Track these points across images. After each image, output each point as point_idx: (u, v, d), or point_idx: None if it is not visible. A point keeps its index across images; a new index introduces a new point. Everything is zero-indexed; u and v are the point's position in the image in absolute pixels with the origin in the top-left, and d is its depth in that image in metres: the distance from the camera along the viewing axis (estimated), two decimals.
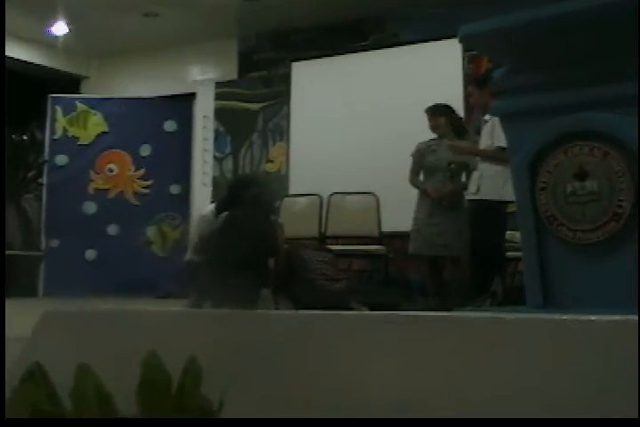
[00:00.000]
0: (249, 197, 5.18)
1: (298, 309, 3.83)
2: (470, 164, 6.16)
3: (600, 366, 1.53)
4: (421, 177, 6.42)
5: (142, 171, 10.25)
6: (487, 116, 5.92)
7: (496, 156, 5.64)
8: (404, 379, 1.69)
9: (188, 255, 6.03)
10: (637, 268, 2.51)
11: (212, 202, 6.74)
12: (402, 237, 6.68)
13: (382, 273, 7.33)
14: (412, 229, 6.26)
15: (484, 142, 5.91)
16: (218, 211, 5.60)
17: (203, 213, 6.50)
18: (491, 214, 5.78)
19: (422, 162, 6.34)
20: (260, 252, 4.83)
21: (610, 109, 2.63)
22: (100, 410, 1.39)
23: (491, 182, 5.77)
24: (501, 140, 5.21)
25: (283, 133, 9.30)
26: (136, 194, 10.23)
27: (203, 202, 8.78)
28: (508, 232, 5.78)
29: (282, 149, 9.20)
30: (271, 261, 5.13)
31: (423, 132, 6.37)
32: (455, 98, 7.36)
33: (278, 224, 5.40)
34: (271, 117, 9.49)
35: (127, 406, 1.48)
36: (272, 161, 9.30)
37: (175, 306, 4.54)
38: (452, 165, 6.20)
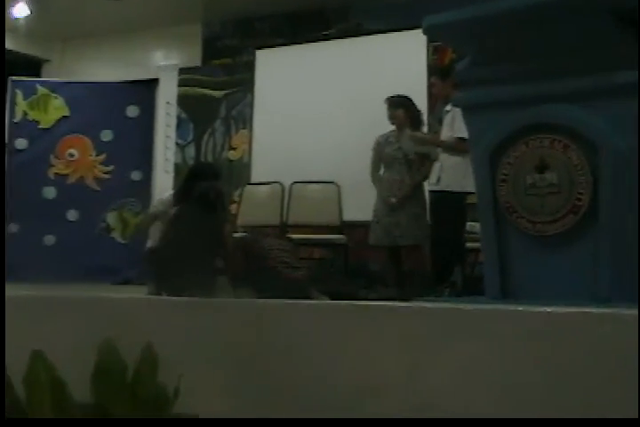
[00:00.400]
0: (198, 192, 5.22)
1: (258, 297, 3.75)
2: (431, 154, 6.12)
3: (556, 355, 1.54)
4: (382, 170, 6.38)
5: (103, 156, 10.14)
6: (448, 107, 5.87)
7: (456, 147, 5.62)
8: (360, 366, 1.69)
9: (149, 242, 6.09)
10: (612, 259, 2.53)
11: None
12: (363, 226, 6.64)
13: (343, 262, 7.25)
14: (372, 220, 6.28)
15: (445, 133, 5.88)
16: (175, 200, 5.64)
17: (163, 196, 6.55)
18: (451, 205, 5.75)
19: (381, 154, 6.32)
20: (205, 245, 4.91)
21: (571, 103, 2.64)
22: (52, 397, 1.38)
23: (451, 173, 5.73)
24: (461, 131, 5.17)
25: (246, 121, 9.21)
26: (97, 179, 10.12)
27: (164, 189, 8.62)
28: (469, 223, 5.79)
29: (244, 136, 9.11)
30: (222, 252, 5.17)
31: (386, 122, 6.35)
32: (418, 89, 7.33)
33: (225, 219, 5.42)
34: (234, 105, 9.40)
35: (83, 393, 1.46)
36: (234, 149, 9.18)
37: (134, 293, 4.50)
38: (411, 156, 6.16)
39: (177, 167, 9.48)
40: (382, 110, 6.36)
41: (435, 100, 7.17)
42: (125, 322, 1.89)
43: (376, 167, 6.39)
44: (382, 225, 6.16)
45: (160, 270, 4.72)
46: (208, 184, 4.97)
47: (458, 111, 5.21)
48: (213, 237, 4.69)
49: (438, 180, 5.91)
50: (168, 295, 4.14)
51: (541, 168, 2.71)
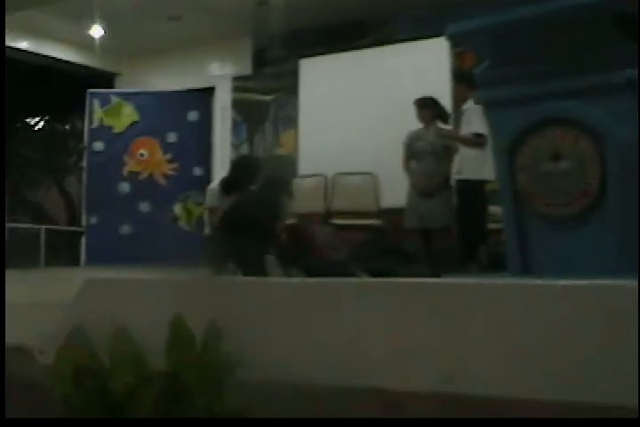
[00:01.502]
0: (263, 177, 5.28)
1: (306, 276, 3.75)
2: (453, 147, 6.16)
3: (570, 323, 1.53)
4: (412, 162, 6.40)
5: (169, 155, 10.24)
6: (465, 106, 5.92)
7: (472, 141, 5.66)
8: (401, 337, 1.69)
9: (207, 230, 6.12)
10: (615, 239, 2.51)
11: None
12: (398, 212, 6.65)
13: (380, 244, 7.25)
14: (405, 206, 6.32)
15: (464, 129, 5.91)
16: (222, 187, 5.72)
17: (210, 186, 6.53)
18: (473, 192, 5.78)
19: (411, 149, 6.34)
20: (264, 221, 4.85)
21: (579, 99, 2.61)
22: (134, 367, 1.40)
23: (471, 164, 5.77)
24: (476, 127, 5.45)
25: (292, 122, 9.29)
26: (164, 175, 10.23)
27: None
28: (491, 207, 5.80)
29: (291, 135, 9.21)
30: (278, 234, 5.19)
31: (415, 120, 6.37)
32: (443, 90, 7.32)
33: (287, 200, 5.25)
34: (282, 108, 9.46)
35: (158, 363, 1.48)
36: (283, 146, 9.31)
37: (197, 274, 4.55)
38: (437, 149, 6.19)
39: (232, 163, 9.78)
40: (412, 110, 6.36)
41: (457, 101, 7.17)
42: (192, 300, 1.91)
43: (407, 160, 6.41)
44: (415, 210, 6.19)
45: (217, 253, 4.78)
46: (273, 170, 5.16)
47: (474, 110, 5.28)
48: (270, 223, 4.87)
49: (460, 170, 6.03)
50: (226, 274, 4.18)
51: (555, 157, 2.68)
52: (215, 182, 6.51)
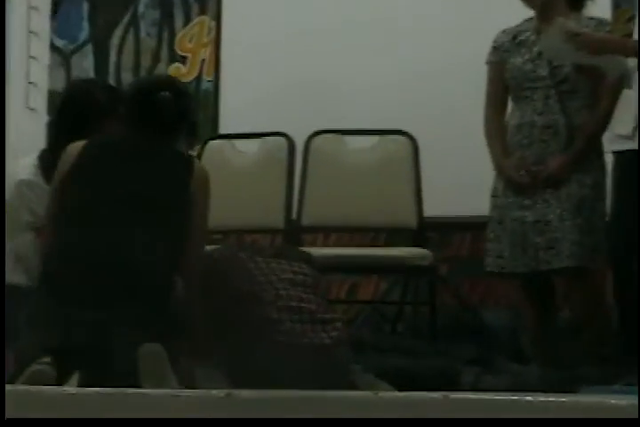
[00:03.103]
0: (154, 97, 2.37)
1: (236, 387, 1.92)
2: (612, 71, 2.86)
3: None
4: (510, 107, 3.13)
5: None
6: None
7: None
8: None
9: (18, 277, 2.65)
10: None
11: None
12: (463, 228, 3.82)
13: (422, 307, 3.47)
14: (489, 216, 3.08)
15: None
16: (47, 169, 2.59)
17: (19, 176, 2.79)
18: None
19: (507, 72, 3.08)
20: (170, 232, 2.27)
21: None
22: None
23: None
24: None
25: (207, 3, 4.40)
26: None
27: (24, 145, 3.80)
28: None
29: (204, 32, 4.39)
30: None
31: None
32: None
33: (205, 172, 2.48)
34: None
35: None
36: (184, 59, 4.42)
37: None
38: (568, 74, 2.98)
39: (53, 98, 4.07)
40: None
41: None
42: None
43: (496, 103, 3.13)
44: (512, 228, 2.98)
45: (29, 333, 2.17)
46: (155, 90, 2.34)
47: None
48: (176, 217, 2.25)
49: (636, 128, 2.82)
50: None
51: None
52: (26, 162, 2.85)
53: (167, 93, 2.41)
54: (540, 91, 3.02)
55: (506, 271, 3.03)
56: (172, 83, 2.61)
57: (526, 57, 3.06)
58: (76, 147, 2.41)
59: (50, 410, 1.54)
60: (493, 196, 3.09)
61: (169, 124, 2.43)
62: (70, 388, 1.57)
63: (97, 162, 2.38)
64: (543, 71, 3.02)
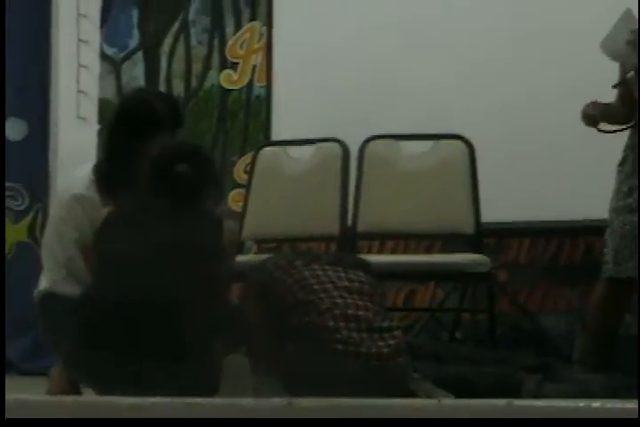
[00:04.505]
0: (157, 177, 2.48)
1: (292, 396, 1.94)
2: None
3: None
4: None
5: None
6: None
7: None
8: None
9: (43, 282, 2.74)
10: None
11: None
12: (521, 234, 3.83)
13: (480, 314, 3.56)
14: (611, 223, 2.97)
15: None
16: (102, 177, 2.68)
17: (73, 190, 2.77)
18: None
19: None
20: (202, 289, 2.36)
21: None
22: None
23: None
24: None
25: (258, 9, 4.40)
26: None
27: (74, 160, 3.89)
28: None
29: (254, 37, 4.39)
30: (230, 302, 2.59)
31: None
32: None
33: (229, 226, 2.64)
34: None
35: None
36: (235, 65, 4.43)
37: None
38: None
39: (104, 106, 4.43)
40: None
41: None
42: None
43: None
44: (623, 235, 2.94)
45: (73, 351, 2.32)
46: (180, 158, 2.44)
47: None
48: (206, 275, 2.35)
49: None
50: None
51: None
52: (84, 170, 2.81)
53: (185, 166, 2.47)
54: None
55: (606, 276, 3.00)
56: (189, 153, 2.58)
57: None
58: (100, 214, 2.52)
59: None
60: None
61: (188, 197, 2.50)
62: (132, 398, 1.59)
63: (119, 230, 2.48)
64: None
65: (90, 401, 1.65)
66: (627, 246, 2.93)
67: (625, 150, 3.01)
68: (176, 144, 2.69)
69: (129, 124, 2.75)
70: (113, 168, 2.71)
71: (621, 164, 3.02)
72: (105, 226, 2.46)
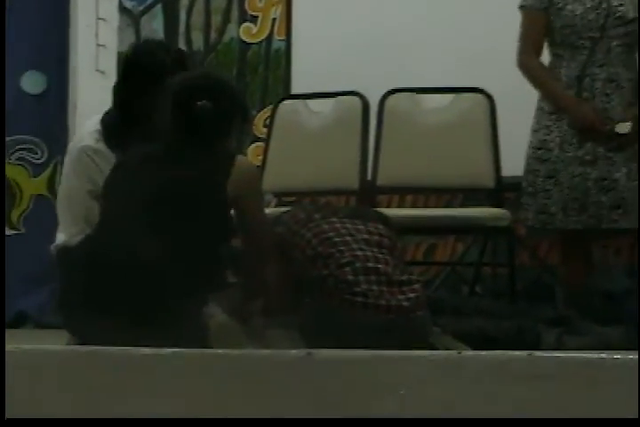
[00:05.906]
0: (170, 112, 2.34)
1: (310, 346, 1.98)
2: None
3: None
4: (553, 56, 3.09)
5: None
6: None
7: None
8: None
9: (61, 236, 2.67)
10: None
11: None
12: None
13: (500, 268, 3.50)
14: (529, 172, 3.11)
15: None
16: (110, 136, 2.60)
17: (83, 142, 2.71)
18: None
19: (550, 20, 3.00)
20: (210, 235, 2.30)
21: None
22: None
23: None
24: None
25: None
26: None
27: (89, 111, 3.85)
28: None
29: None
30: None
31: None
32: None
33: (248, 168, 2.47)
34: None
35: None
36: (254, 19, 4.38)
37: None
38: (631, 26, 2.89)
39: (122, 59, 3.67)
40: None
41: None
42: None
43: (537, 49, 3.11)
44: (572, 185, 2.96)
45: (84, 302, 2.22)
46: (196, 94, 2.31)
47: None
48: (215, 221, 2.26)
49: None
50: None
51: None
52: (93, 122, 2.75)
53: (206, 103, 2.31)
54: (602, 42, 2.91)
55: (551, 227, 3.01)
56: (210, 88, 2.39)
57: (588, 5, 2.94)
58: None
59: (117, 371, 1.59)
60: (539, 148, 3.01)
61: (210, 133, 2.35)
62: (146, 349, 1.59)
63: (133, 173, 2.38)
64: (606, 21, 2.91)
65: (104, 351, 1.65)
66: (577, 199, 2.90)
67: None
68: (195, 78, 2.48)
69: (132, 75, 2.71)
70: (119, 119, 2.68)
71: (556, 111, 2.94)
72: (112, 172, 2.41)
